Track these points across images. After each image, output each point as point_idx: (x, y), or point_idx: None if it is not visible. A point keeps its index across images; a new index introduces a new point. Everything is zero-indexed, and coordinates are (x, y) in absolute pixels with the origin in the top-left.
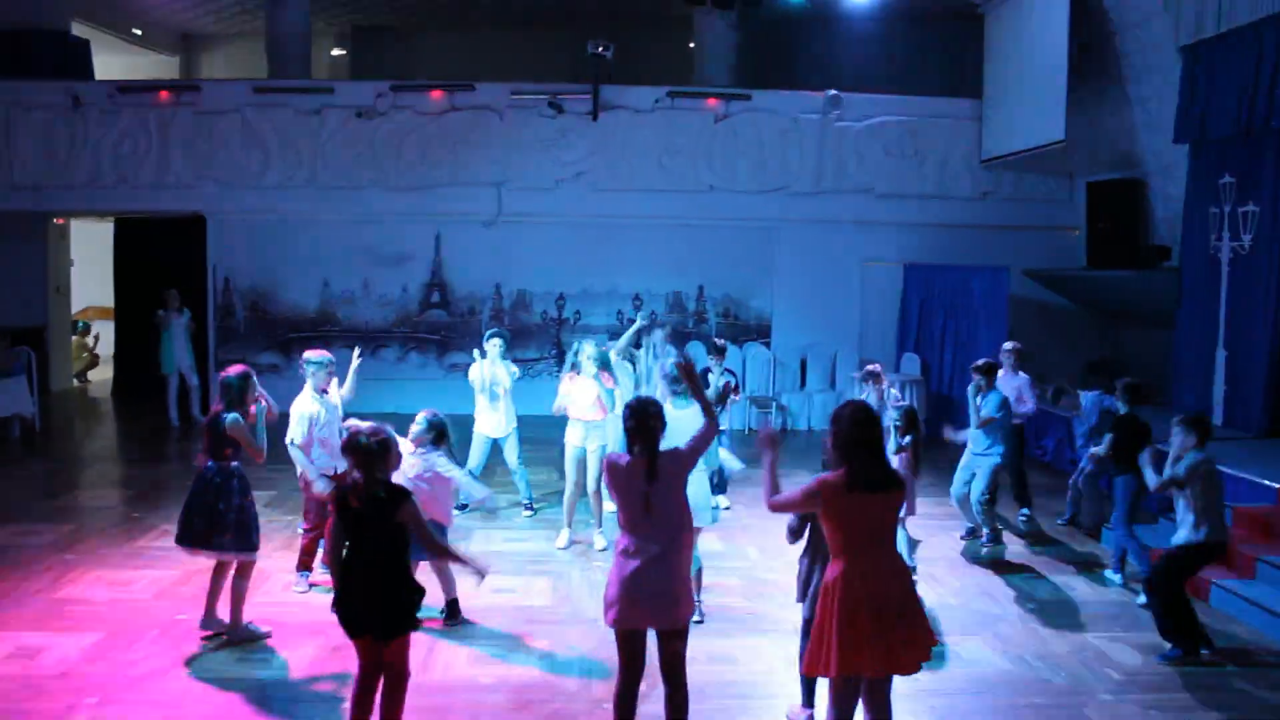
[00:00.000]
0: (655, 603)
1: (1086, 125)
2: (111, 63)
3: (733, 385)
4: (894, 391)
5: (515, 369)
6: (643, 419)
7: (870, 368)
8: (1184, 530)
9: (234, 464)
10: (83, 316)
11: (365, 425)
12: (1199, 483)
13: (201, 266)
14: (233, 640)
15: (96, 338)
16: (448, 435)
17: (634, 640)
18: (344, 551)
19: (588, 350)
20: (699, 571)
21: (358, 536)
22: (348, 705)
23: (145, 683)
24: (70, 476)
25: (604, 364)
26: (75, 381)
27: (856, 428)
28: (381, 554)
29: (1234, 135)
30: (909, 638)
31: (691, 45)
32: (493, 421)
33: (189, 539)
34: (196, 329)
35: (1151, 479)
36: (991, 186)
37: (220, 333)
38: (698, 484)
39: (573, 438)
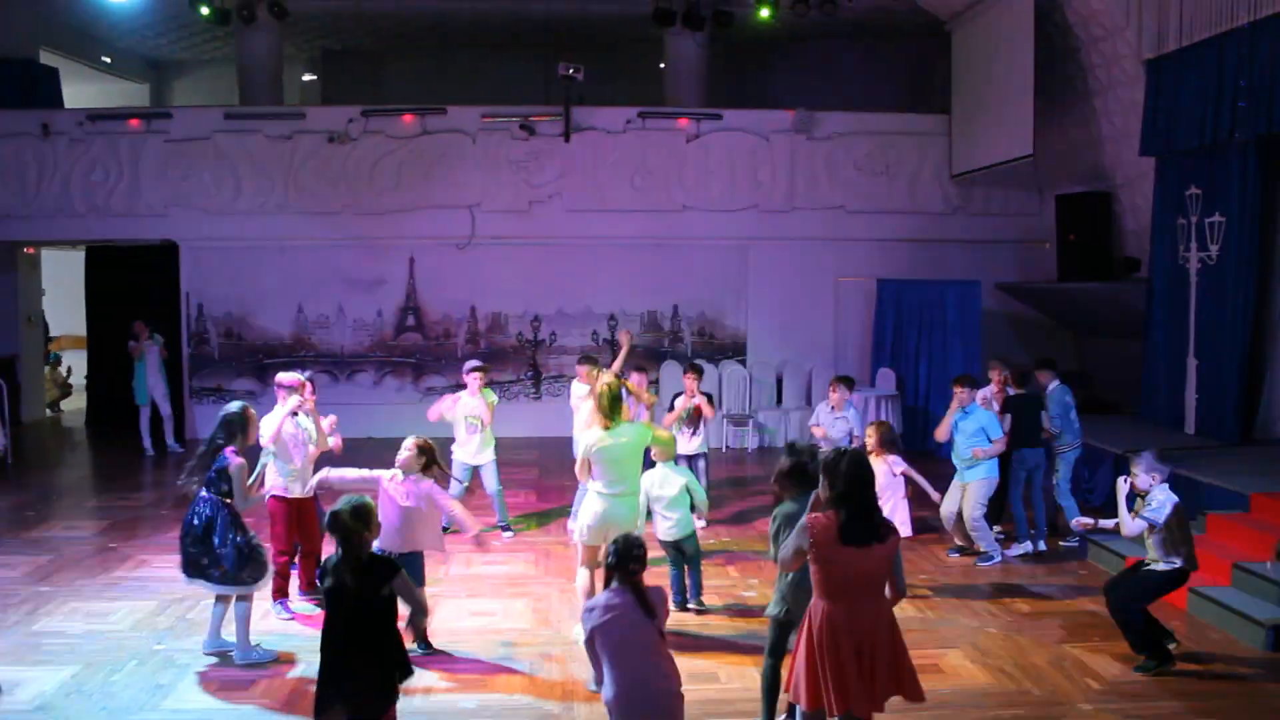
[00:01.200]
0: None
1: (1054, 139)
2: (81, 91)
3: (702, 405)
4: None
5: (494, 398)
6: (626, 559)
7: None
8: (1159, 561)
9: (227, 500)
10: (55, 347)
11: (342, 500)
12: (1174, 521)
13: (174, 294)
14: (244, 664)
15: (69, 370)
16: (437, 460)
17: None
18: (326, 631)
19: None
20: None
21: (338, 614)
22: None
23: (124, 716)
24: (44, 508)
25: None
26: (48, 412)
27: (853, 481)
28: (366, 631)
29: (1199, 147)
30: (889, 685)
31: (662, 65)
32: (470, 449)
33: (199, 574)
34: (170, 356)
35: (1130, 525)
36: (962, 201)
37: (194, 360)
38: (683, 506)
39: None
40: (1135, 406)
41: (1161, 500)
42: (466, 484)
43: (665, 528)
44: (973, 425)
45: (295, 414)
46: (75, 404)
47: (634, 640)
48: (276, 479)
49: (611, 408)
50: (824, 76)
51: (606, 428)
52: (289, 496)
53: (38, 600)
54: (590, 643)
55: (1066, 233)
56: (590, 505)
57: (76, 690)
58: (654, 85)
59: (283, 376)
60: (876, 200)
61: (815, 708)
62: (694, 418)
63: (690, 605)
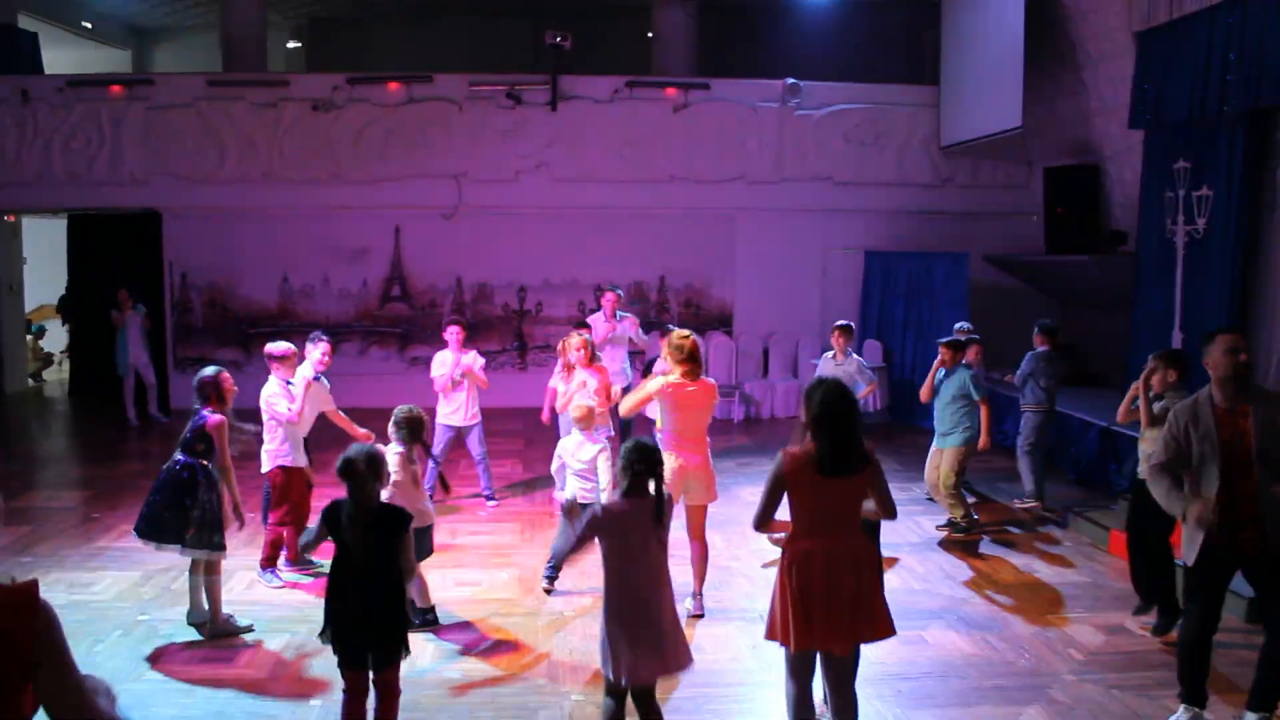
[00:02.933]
0: (661, 654)
1: (1043, 112)
2: (61, 56)
3: None
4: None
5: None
6: (649, 463)
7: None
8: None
9: (204, 461)
10: (37, 317)
11: (354, 448)
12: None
13: (157, 263)
14: (214, 636)
15: (61, 353)
16: (420, 430)
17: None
18: (333, 579)
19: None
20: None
21: (348, 563)
22: None
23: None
24: (27, 478)
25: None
26: (30, 382)
27: (825, 407)
28: (375, 579)
29: (1188, 120)
30: (856, 625)
31: (650, 35)
32: (453, 409)
33: (153, 533)
34: (152, 326)
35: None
36: (950, 173)
37: (178, 329)
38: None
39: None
40: (1121, 379)
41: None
42: (440, 462)
43: (582, 490)
44: (954, 388)
45: (289, 382)
46: (58, 374)
47: (637, 546)
48: (281, 448)
49: (692, 357)
50: (812, 47)
51: (686, 373)
52: (293, 466)
53: (20, 571)
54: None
55: (1054, 205)
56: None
57: None
58: (642, 55)
59: (272, 347)
60: (864, 171)
61: (769, 639)
62: None
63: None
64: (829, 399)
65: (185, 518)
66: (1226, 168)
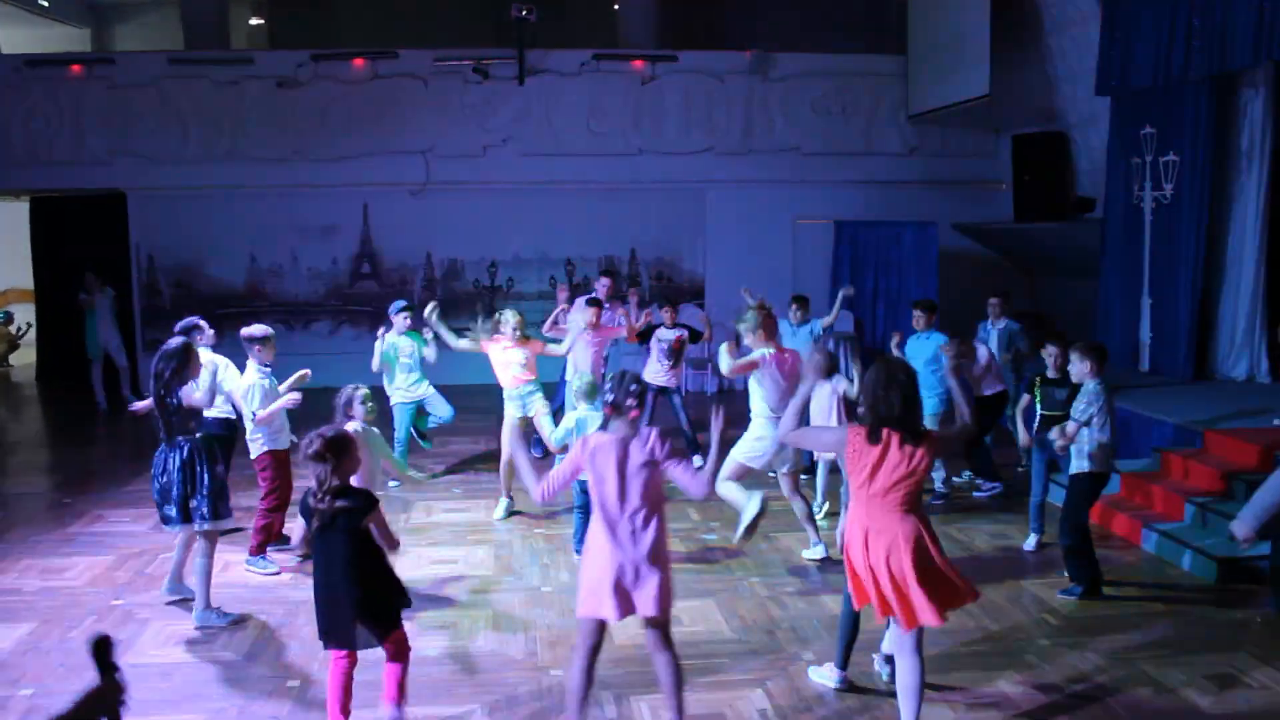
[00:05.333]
0: (637, 592)
1: (1010, 79)
2: (17, 35)
3: (685, 339)
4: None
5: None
6: (624, 390)
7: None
8: (1078, 459)
9: (198, 435)
10: (2, 301)
11: (322, 429)
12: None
13: (124, 244)
14: (204, 625)
15: (23, 327)
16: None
17: (601, 626)
18: (317, 569)
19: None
20: None
21: (326, 547)
22: (330, 703)
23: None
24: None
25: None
26: None
27: (891, 378)
28: (359, 558)
29: (1153, 86)
30: (915, 597)
31: (615, 7)
32: (407, 384)
33: (178, 515)
34: (121, 308)
35: (1069, 428)
36: (918, 142)
37: (146, 311)
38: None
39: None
40: None
41: (1095, 391)
42: (405, 441)
43: None
44: (929, 350)
45: (267, 365)
46: (25, 358)
47: (614, 477)
48: (265, 433)
49: (770, 329)
50: (779, 16)
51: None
52: (278, 450)
53: None
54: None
55: (1022, 173)
56: (760, 431)
57: (34, 647)
58: (607, 27)
59: (250, 330)
60: (833, 142)
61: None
62: (674, 351)
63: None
64: (880, 373)
65: (196, 494)
66: (1192, 133)
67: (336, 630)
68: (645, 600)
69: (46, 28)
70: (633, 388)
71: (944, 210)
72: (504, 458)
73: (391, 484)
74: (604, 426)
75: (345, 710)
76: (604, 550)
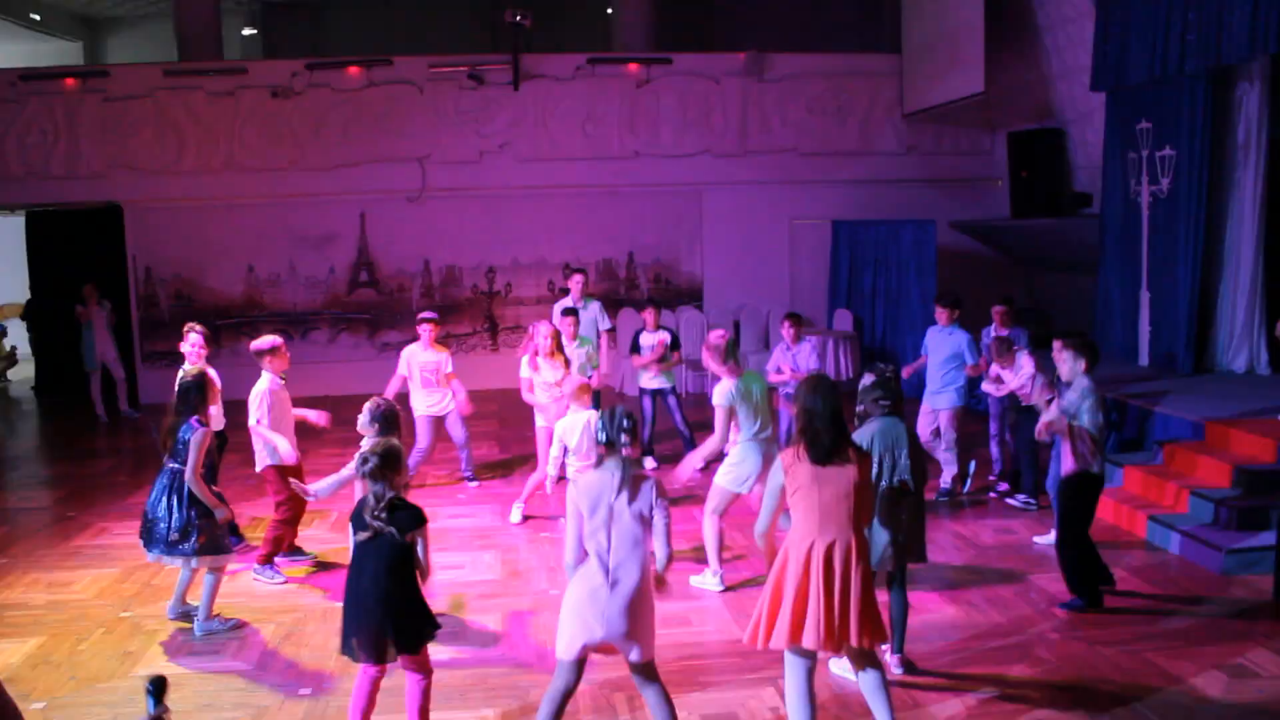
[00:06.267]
0: (620, 631)
1: (1005, 77)
2: (9, 50)
3: (667, 343)
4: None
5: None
6: (615, 431)
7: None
8: (1067, 458)
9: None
10: None
11: (369, 442)
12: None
13: (121, 257)
14: (206, 634)
15: (13, 349)
16: (396, 423)
17: (582, 663)
18: (353, 578)
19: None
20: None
21: (365, 558)
22: (352, 711)
23: (93, 685)
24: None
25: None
26: None
27: (812, 396)
28: (392, 573)
29: (1149, 81)
30: (846, 625)
31: (609, 10)
32: (430, 401)
33: (164, 547)
34: (118, 320)
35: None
36: (914, 141)
37: (144, 324)
38: None
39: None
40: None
41: (1084, 387)
42: (426, 447)
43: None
44: (949, 347)
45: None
46: (22, 373)
47: (602, 523)
48: (267, 448)
49: (730, 353)
50: (773, 17)
51: (738, 375)
52: (289, 464)
53: None
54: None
55: (1019, 170)
56: (747, 455)
57: (44, 661)
58: (601, 31)
59: (259, 343)
60: (829, 142)
61: (750, 644)
62: (659, 356)
63: None
64: (811, 390)
65: (191, 527)
66: (1189, 127)
67: (364, 639)
68: (630, 647)
69: (39, 42)
70: (625, 424)
71: (941, 208)
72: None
73: None
74: (598, 465)
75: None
76: (587, 589)
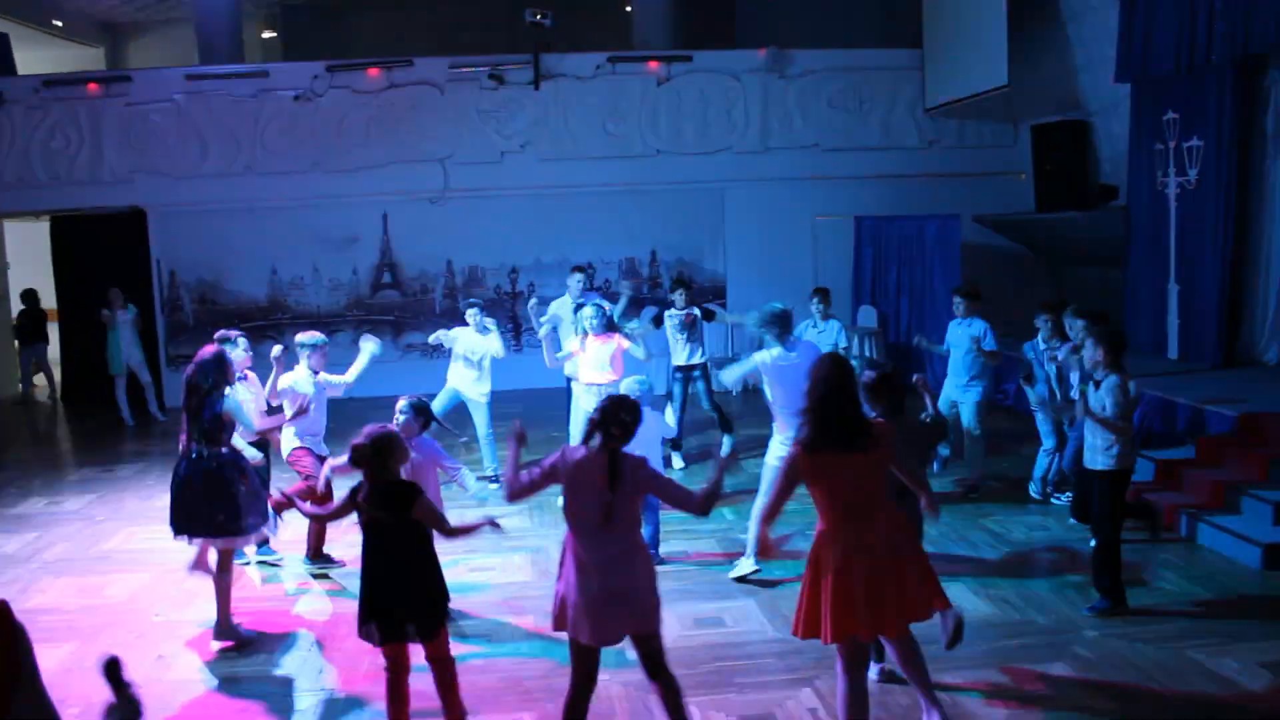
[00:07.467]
0: (624, 610)
1: (1028, 68)
2: (33, 57)
3: (696, 315)
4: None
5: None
6: (612, 416)
7: None
8: (1103, 456)
9: (225, 450)
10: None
11: (365, 429)
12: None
13: (145, 261)
14: (220, 638)
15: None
16: (432, 417)
17: (591, 652)
18: (365, 560)
19: (587, 313)
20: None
21: (377, 541)
22: (385, 709)
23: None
24: (26, 484)
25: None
26: (19, 388)
27: (823, 383)
28: (405, 554)
29: (1175, 71)
30: (901, 603)
31: (629, 9)
32: (467, 380)
33: (188, 527)
34: (144, 325)
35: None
36: (937, 135)
37: (169, 327)
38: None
39: (585, 403)
40: None
41: (1117, 384)
42: (464, 438)
43: None
44: (969, 338)
45: (317, 371)
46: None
47: (592, 513)
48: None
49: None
50: (793, 12)
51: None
52: (318, 452)
53: (29, 577)
54: (547, 475)
55: (1043, 163)
56: (784, 434)
57: (77, 666)
58: (622, 28)
59: (301, 336)
60: (851, 137)
61: (805, 638)
62: (686, 324)
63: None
64: (825, 372)
65: (218, 508)
66: (1216, 117)
67: (380, 618)
68: (634, 618)
69: (61, 48)
70: (624, 417)
71: (964, 202)
72: None
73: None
74: (585, 441)
75: None
76: (580, 571)
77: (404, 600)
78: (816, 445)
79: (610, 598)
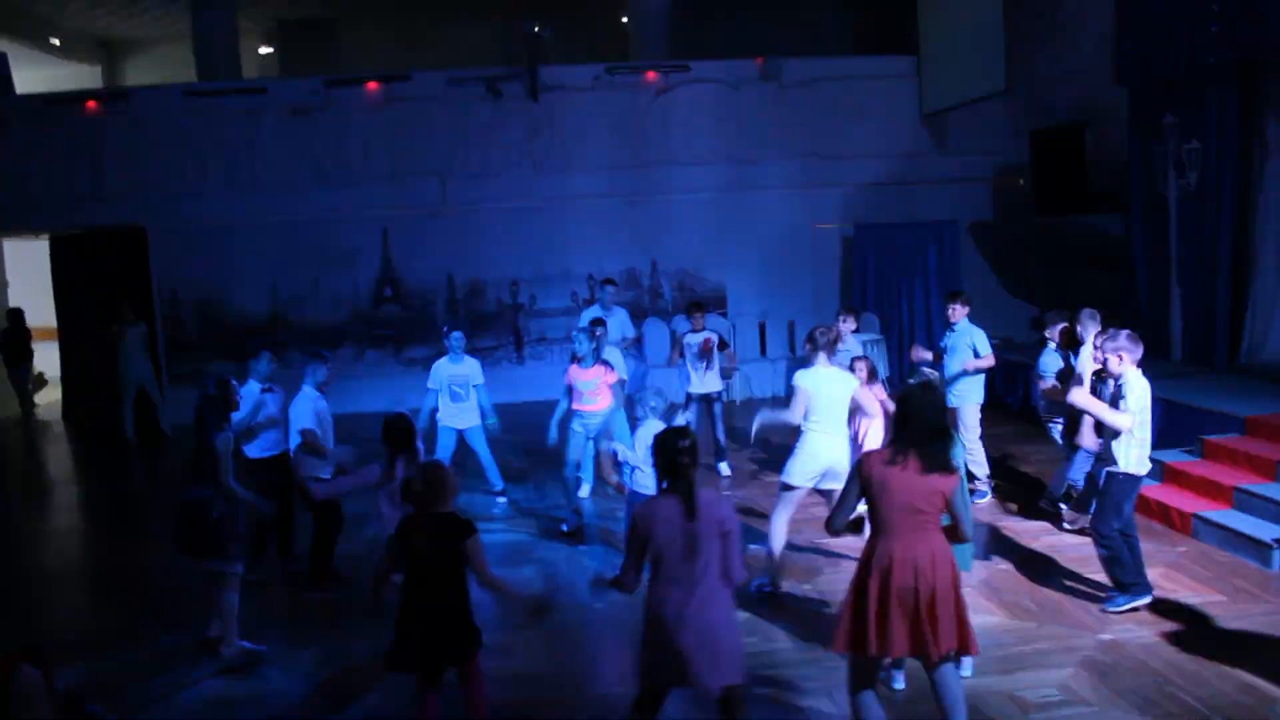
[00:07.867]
0: (706, 658)
1: (1025, 73)
2: (30, 76)
3: (713, 340)
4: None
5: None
6: (671, 454)
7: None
8: (1123, 458)
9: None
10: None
11: (419, 464)
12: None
13: (145, 278)
14: (230, 654)
15: (41, 374)
16: (412, 435)
17: (661, 698)
18: (404, 594)
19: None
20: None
21: (419, 574)
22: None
23: (141, 711)
24: (32, 503)
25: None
26: (19, 408)
27: (921, 407)
28: (443, 594)
29: (1172, 74)
30: (935, 631)
31: (625, 19)
32: (460, 413)
33: (192, 549)
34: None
35: (1116, 417)
36: (935, 141)
37: (171, 344)
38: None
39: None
40: None
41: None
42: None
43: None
44: (963, 343)
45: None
46: (50, 397)
47: (676, 550)
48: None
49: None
50: (789, 21)
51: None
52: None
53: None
54: (632, 531)
55: (1041, 167)
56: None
57: (92, 686)
58: (618, 39)
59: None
60: (848, 145)
61: (849, 650)
62: (704, 352)
63: None
64: (917, 399)
65: (208, 532)
66: (1216, 120)
67: (418, 667)
68: (719, 670)
69: (58, 66)
70: (683, 444)
71: (963, 208)
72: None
73: None
74: (660, 488)
75: None
76: (668, 616)
77: (442, 647)
78: (892, 458)
79: (695, 641)
